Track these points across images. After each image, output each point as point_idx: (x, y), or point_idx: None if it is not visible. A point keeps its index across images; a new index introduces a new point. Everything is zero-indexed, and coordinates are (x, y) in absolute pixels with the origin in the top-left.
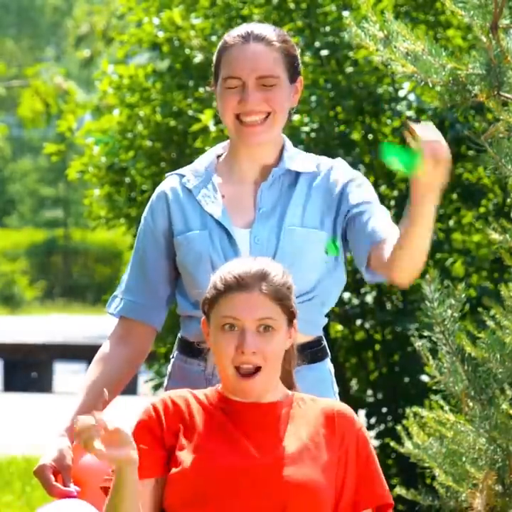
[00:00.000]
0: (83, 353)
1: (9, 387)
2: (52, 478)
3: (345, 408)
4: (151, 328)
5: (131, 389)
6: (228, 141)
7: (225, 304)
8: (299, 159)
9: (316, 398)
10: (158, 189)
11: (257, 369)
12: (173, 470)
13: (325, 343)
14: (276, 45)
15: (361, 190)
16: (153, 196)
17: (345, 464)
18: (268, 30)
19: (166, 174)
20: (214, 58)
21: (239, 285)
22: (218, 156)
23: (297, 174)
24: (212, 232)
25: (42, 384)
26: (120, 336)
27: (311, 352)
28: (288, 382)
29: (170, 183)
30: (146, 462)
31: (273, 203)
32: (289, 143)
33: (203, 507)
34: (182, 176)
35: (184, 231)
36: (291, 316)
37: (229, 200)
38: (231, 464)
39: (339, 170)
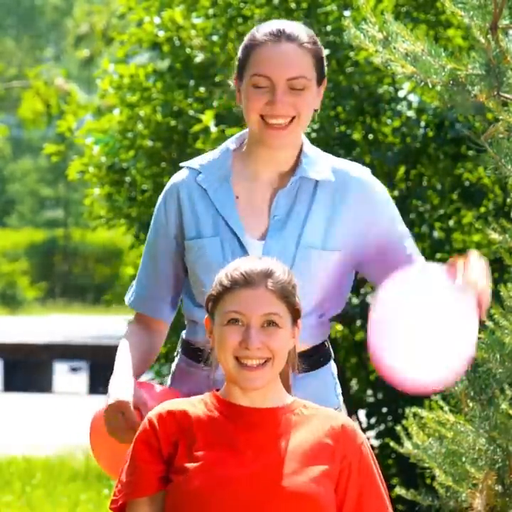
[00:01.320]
0: (83, 353)
1: (9, 387)
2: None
3: (348, 422)
4: (160, 322)
5: None
6: (240, 134)
7: (230, 299)
8: (316, 164)
9: (319, 407)
10: (171, 184)
11: (266, 361)
12: (174, 479)
13: (329, 346)
14: (307, 46)
15: (397, 227)
16: (166, 191)
17: (347, 478)
18: (299, 30)
19: (182, 164)
20: (239, 53)
21: (245, 281)
22: (234, 150)
23: (315, 183)
24: (224, 241)
25: (42, 384)
26: (134, 327)
27: (312, 359)
28: (285, 385)
29: (183, 177)
30: (144, 479)
31: (288, 211)
32: (307, 145)
33: None
34: (197, 171)
35: (195, 236)
36: (295, 315)
37: (242, 201)
38: (231, 473)
39: (374, 199)
